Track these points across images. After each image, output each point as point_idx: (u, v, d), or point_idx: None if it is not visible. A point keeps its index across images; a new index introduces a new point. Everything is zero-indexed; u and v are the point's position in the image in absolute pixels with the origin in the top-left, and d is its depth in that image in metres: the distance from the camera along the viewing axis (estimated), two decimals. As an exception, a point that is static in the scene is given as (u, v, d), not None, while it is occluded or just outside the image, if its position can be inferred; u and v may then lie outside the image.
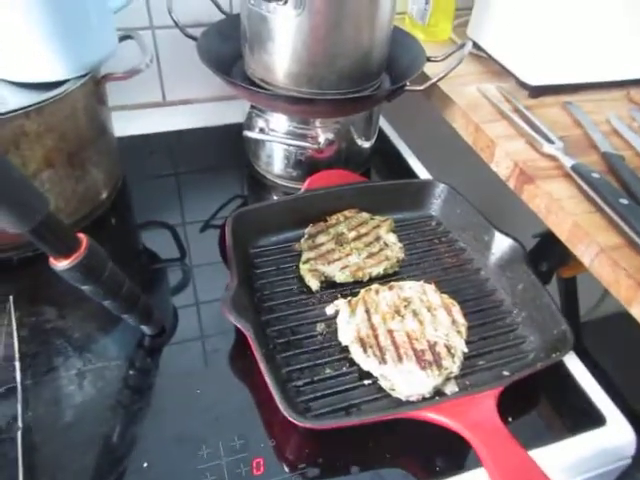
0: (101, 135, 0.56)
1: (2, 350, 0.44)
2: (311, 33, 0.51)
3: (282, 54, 0.53)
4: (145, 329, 0.46)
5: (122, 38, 0.57)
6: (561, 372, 0.46)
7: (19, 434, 0.39)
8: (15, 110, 0.43)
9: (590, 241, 0.46)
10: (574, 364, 0.47)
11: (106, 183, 0.59)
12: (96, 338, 0.47)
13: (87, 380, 0.43)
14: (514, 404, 0.42)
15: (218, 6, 0.66)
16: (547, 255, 0.88)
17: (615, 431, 0.43)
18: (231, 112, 0.73)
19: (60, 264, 0.36)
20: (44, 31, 0.46)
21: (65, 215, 0.53)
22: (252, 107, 0.60)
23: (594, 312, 0.95)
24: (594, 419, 0.43)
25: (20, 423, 0.39)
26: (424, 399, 0.41)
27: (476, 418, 0.38)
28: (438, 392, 0.42)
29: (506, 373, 0.44)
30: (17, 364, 0.43)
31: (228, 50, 0.62)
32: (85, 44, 0.49)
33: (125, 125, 0.68)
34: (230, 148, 0.70)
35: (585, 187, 0.50)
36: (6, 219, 0.32)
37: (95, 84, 0.53)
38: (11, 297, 0.49)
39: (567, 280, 0.92)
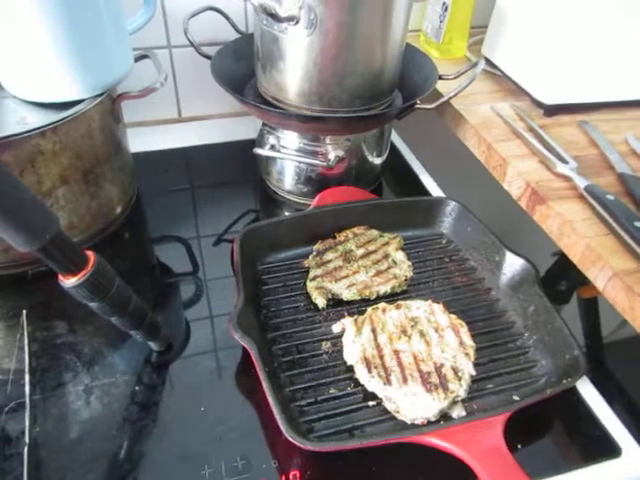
0: (116, 152, 0.57)
1: (14, 364, 0.45)
2: (322, 53, 0.52)
3: (293, 73, 0.54)
4: (152, 345, 0.46)
5: (139, 57, 0.59)
6: (574, 398, 0.45)
7: (26, 450, 0.39)
8: (30, 130, 0.44)
9: (603, 265, 0.45)
10: (588, 390, 0.46)
11: (120, 199, 0.60)
12: (104, 354, 0.47)
13: (94, 396, 0.43)
14: (524, 430, 0.42)
15: (234, 25, 0.68)
16: (566, 274, 0.85)
17: (631, 463, 0.41)
18: (244, 128, 0.74)
19: (68, 281, 0.37)
20: (62, 52, 0.47)
21: (79, 231, 0.54)
22: (264, 124, 0.61)
23: (618, 333, 0.92)
24: (608, 449, 0.42)
25: (27, 439, 0.40)
26: (429, 423, 0.41)
27: (481, 446, 0.37)
28: (445, 415, 0.42)
29: (516, 398, 0.43)
30: (27, 378, 0.44)
31: (242, 69, 0.63)
32: (102, 65, 0.51)
33: (141, 141, 0.70)
34: (243, 163, 0.71)
35: (599, 209, 0.49)
36: (15, 238, 0.32)
37: (111, 103, 0.54)
38: (24, 311, 0.49)
39: (588, 300, 0.89)
